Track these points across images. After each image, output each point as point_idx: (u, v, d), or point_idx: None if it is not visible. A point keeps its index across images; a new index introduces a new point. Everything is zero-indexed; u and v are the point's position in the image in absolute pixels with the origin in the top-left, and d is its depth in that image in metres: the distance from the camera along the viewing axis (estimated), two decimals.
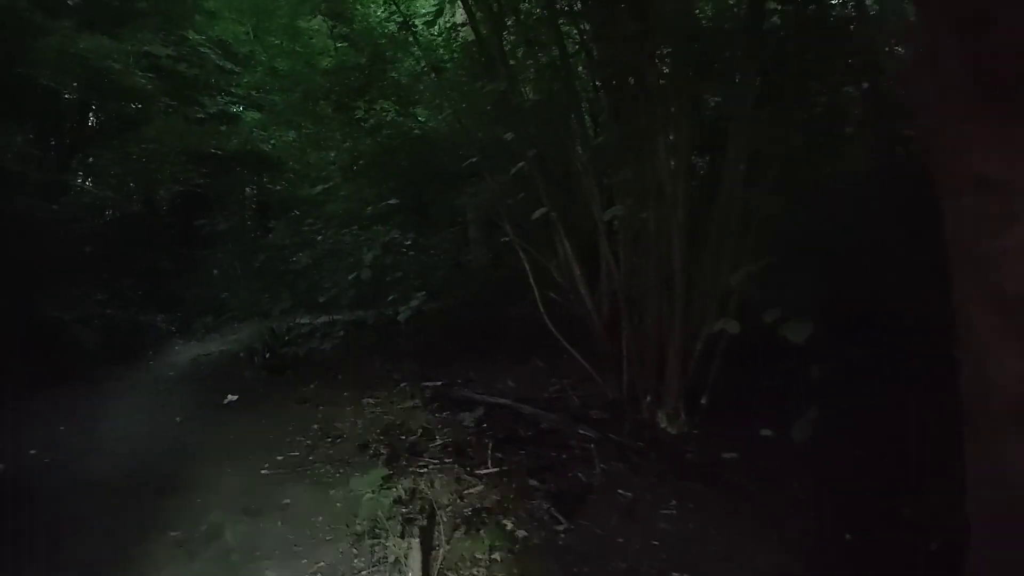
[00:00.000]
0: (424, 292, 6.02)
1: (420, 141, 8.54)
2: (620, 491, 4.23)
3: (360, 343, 7.85)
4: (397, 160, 7.97)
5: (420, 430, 5.62)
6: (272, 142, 10.16)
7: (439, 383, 7.28)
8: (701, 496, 4.19)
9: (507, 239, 6.16)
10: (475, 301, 8.15)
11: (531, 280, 6.02)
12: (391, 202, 6.15)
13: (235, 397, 7.08)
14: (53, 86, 10.54)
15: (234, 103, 11.95)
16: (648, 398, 5.44)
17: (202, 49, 11.30)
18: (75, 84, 10.12)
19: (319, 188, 5.55)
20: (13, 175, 10.16)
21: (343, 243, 7.83)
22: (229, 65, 11.82)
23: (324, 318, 7.45)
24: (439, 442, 5.28)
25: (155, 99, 9.66)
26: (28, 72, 10.27)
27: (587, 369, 6.11)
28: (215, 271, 12.99)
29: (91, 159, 12.39)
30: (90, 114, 12.31)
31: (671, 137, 4.91)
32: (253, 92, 11.34)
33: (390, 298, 6.06)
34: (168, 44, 9.88)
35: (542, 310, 6.05)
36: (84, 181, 12.18)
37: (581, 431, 5.31)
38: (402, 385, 7.23)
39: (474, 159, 6.16)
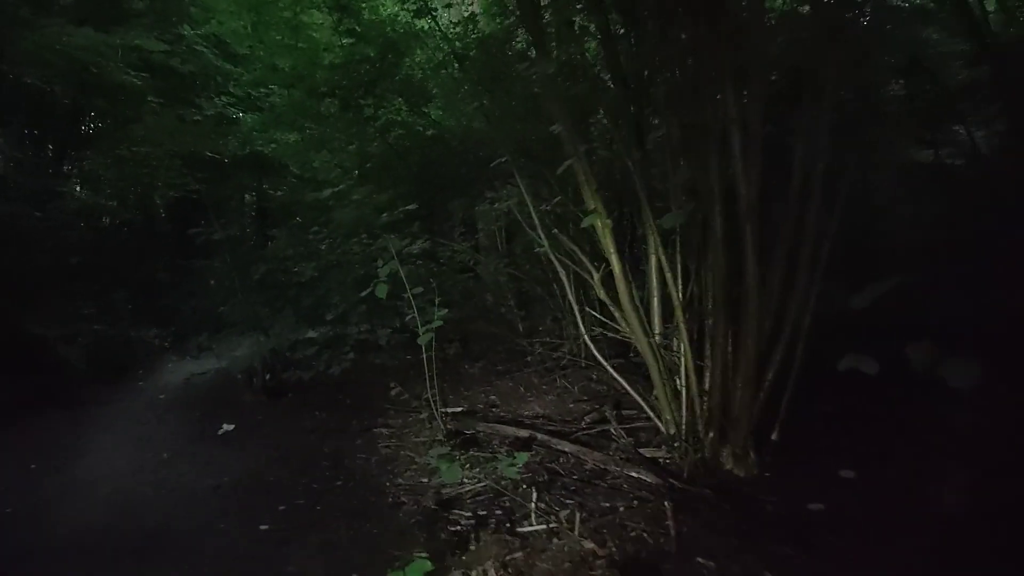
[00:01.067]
0: (447, 310, 5.25)
1: (434, 141, 7.83)
2: (699, 559, 3.46)
3: (369, 362, 7.09)
4: (408, 163, 7.27)
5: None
6: (272, 144, 9.43)
7: (459, 409, 6.56)
8: (799, 567, 3.42)
9: (540, 248, 5.41)
10: (492, 316, 7.40)
11: (569, 295, 5.28)
12: (410, 207, 5.42)
13: (231, 427, 6.34)
14: (39, 84, 9.86)
15: (232, 105, 11.23)
16: (711, 433, 4.67)
17: (198, 47, 10.61)
18: (61, 81, 9.42)
19: (327, 192, 4.83)
20: None
21: (351, 254, 7.10)
22: (228, 66, 11.14)
23: (329, 334, 6.69)
24: (468, 487, 4.53)
25: (147, 98, 8.96)
26: (13, 70, 9.60)
27: (629, 395, 5.37)
28: (211, 282, 12.28)
29: (81, 163, 11.69)
30: (81, 116, 11.63)
31: (741, 135, 4.17)
32: (252, 93, 10.63)
33: (408, 316, 5.30)
34: (162, 40, 9.16)
35: (582, 329, 5.30)
36: (75, 187, 11.45)
37: (634, 473, 4.56)
38: (419, 412, 6.50)
39: (503, 159, 5.41)
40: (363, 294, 5.25)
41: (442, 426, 5.73)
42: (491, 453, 5.01)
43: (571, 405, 6.54)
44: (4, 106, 10.71)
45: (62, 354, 8.30)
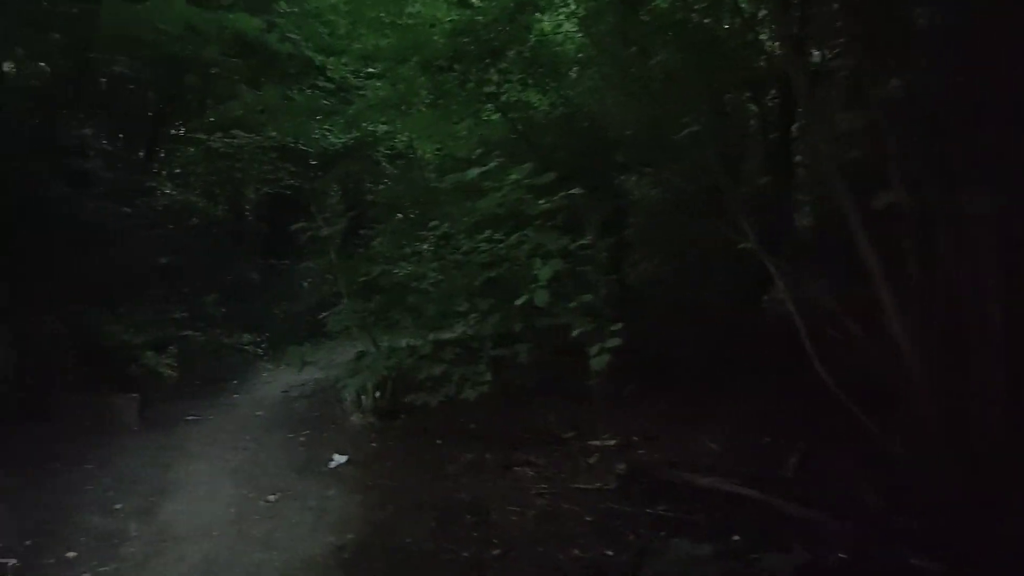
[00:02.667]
0: (622, 324, 4.03)
1: (574, 120, 6.65)
2: None
3: (501, 378, 5.93)
4: (543, 143, 6.14)
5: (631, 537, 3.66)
6: (383, 124, 8.39)
7: (612, 442, 5.33)
8: None
9: (746, 246, 4.13)
10: (645, 329, 6.14)
11: (792, 309, 3.96)
12: (573, 192, 4.21)
13: (343, 459, 5.30)
14: (129, 73, 9.17)
15: (331, 93, 10.28)
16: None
17: (292, 35, 9.74)
18: (152, 67, 8.69)
19: (473, 173, 3.68)
20: (82, 175, 8.78)
21: (478, 252, 5.97)
22: (319, 58, 10.25)
23: (458, 350, 5.56)
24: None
25: (240, 83, 8.10)
26: (103, 58, 8.91)
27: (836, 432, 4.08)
28: (304, 285, 11.47)
29: (171, 158, 11.04)
30: (171, 107, 10.96)
31: None
32: (350, 76, 9.67)
33: (576, 332, 4.10)
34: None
35: (810, 351, 3.97)
36: (164, 183, 10.77)
37: (915, 561, 3.22)
38: (565, 445, 5.33)
39: (695, 128, 4.16)
40: (519, 302, 4.08)
41: (607, 468, 4.51)
42: (703, 521, 3.73)
43: (754, 442, 5.24)
44: (93, 97, 10.12)
45: (150, 364, 7.49)
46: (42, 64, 9.28)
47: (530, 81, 7.04)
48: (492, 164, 3.84)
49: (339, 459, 5.25)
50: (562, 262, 3.96)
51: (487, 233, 6.09)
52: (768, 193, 7.25)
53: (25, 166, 7.63)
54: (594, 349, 3.92)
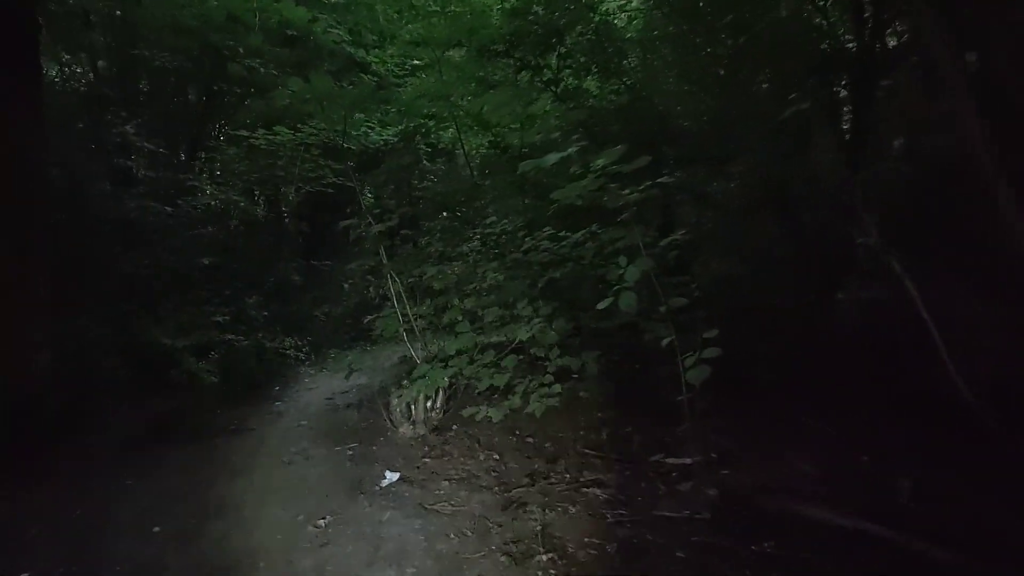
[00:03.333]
0: (717, 331, 3.50)
1: (637, 107, 6.13)
2: None
3: (565, 388, 5.43)
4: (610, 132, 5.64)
5: None
6: (431, 116, 7.94)
7: (687, 460, 4.78)
8: None
9: (865, 240, 3.57)
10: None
11: (926, 316, 3.39)
12: (663, 180, 3.69)
13: (395, 476, 4.86)
14: (171, 67, 8.91)
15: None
16: None
17: (333, 28, 9.39)
18: (195, 61, 8.41)
19: (553, 157, 3.19)
20: (124, 173, 8.55)
21: (537, 251, 5.50)
22: (360, 53, 9.90)
23: (520, 358, 5.06)
24: None
25: (287, 70, 7.74)
26: (146, 52, 8.68)
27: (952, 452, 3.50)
28: (345, 286, 11.10)
29: (213, 156, 10.78)
30: (214, 103, 10.72)
31: None
32: (395, 70, 9.29)
33: (666, 341, 3.59)
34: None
35: (948, 363, 3.40)
36: (206, 182, 10.51)
37: None
38: (636, 462, 4.82)
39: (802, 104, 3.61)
40: (602, 305, 3.58)
41: (695, 492, 3.99)
42: (816, 561, 3.20)
43: (851, 464, 4.66)
44: (137, 96, 9.92)
45: (192, 369, 7.17)
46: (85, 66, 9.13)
47: (594, 67, 6.53)
48: (572, 149, 3.32)
49: (391, 477, 4.82)
50: (651, 261, 3.43)
51: (547, 231, 5.65)
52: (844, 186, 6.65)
53: (68, 164, 7.41)
54: (689, 360, 3.39)
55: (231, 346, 7.98)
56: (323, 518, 4.19)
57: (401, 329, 6.19)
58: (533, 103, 4.00)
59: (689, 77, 6.80)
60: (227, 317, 8.32)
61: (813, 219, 6.18)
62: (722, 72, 6.69)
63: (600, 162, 3.31)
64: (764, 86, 7.04)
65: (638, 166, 3.28)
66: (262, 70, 7.41)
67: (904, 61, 6.56)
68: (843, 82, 7.67)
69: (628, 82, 6.58)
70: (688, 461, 4.82)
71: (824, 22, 7.06)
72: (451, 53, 6.83)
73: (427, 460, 5.26)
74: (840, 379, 5.78)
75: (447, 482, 4.77)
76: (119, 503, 4.54)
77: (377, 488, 4.69)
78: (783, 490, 4.20)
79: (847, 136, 7.27)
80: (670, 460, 4.86)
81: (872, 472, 4.47)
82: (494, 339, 5.43)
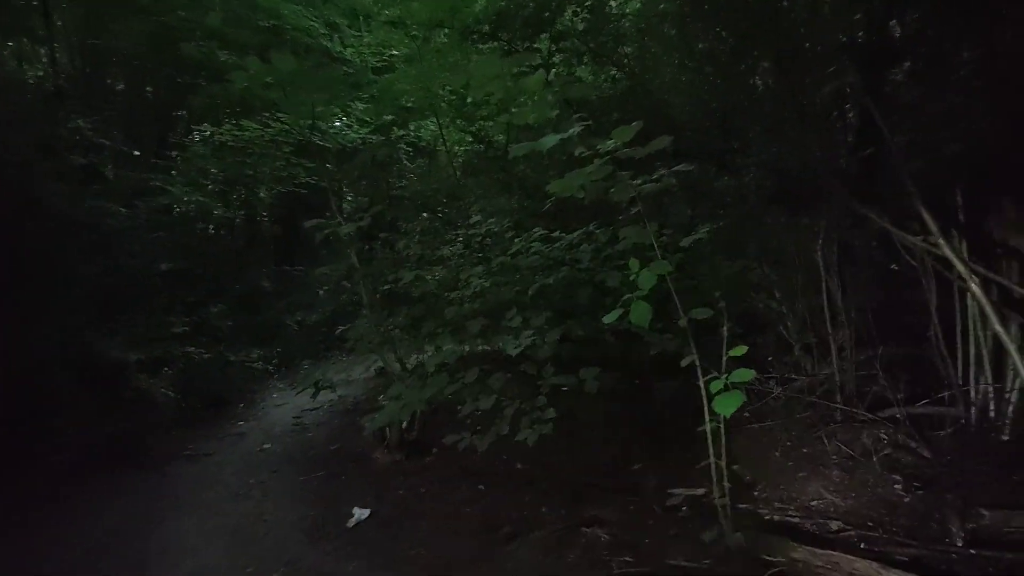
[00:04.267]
0: (746, 348, 2.92)
1: (636, 96, 5.57)
2: None
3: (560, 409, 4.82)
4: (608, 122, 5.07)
5: None
6: (411, 104, 7.27)
7: (699, 491, 4.20)
8: None
9: (927, 245, 2.99)
10: None
11: (1000, 330, 2.82)
12: (681, 168, 3.08)
13: (366, 513, 4.22)
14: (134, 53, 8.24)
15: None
16: None
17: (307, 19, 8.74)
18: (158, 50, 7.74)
19: (553, 139, 2.60)
20: (81, 171, 7.83)
21: (527, 255, 4.90)
22: (339, 49, 9.25)
23: (508, 376, 4.43)
24: None
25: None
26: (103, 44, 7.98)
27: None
28: (320, 292, 10.42)
29: (179, 153, 10.06)
30: (178, 98, 10.01)
31: None
32: (373, 62, 8.64)
33: (686, 360, 2.98)
34: None
35: None
36: (173, 181, 9.80)
37: None
38: (641, 494, 4.24)
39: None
40: (609, 319, 2.97)
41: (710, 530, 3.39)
42: None
43: (883, 490, 4.11)
44: (98, 88, 9.21)
45: (143, 386, 6.48)
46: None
47: (587, 54, 5.93)
48: (574, 129, 2.72)
49: (361, 514, 4.18)
50: (670, 266, 2.83)
51: (538, 231, 5.05)
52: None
53: (20, 162, 6.69)
54: (717, 385, 2.79)
55: (191, 359, 7.28)
56: (277, 571, 3.54)
57: (376, 340, 5.55)
58: (526, 77, 3.45)
59: (689, 65, 6.28)
60: (187, 327, 7.62)
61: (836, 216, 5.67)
62: (724, 60, 6.20)
63: (610, 144, 2.70)
64: (768, 78, 6.57)
65: (657, 148, 2.68)
66: (223, 56, 6.75)
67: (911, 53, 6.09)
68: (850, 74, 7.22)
69: (625, 70, 6.00)
70: (699, 491, 4.24)
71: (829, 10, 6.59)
72: (433, 39, 6.21)
73: (401, 492, 4.63)
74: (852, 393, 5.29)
75: (424, 520, 4.14)
76: (50, 546, 3.88)
77: (343, 530, 4.05)
78: (813, 525, 3.64)
79: (854, 129, 6.80)
80: (677, 490, 4.28)
81: (906, 497, 3.94)
82: (480, 353, 4.83)
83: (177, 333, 7.45)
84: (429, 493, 4.59)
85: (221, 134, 8.45)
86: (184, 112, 9.88)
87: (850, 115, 6.98)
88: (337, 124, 8.85)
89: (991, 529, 3.51)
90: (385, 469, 5.08)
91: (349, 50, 8.95)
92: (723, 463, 3.26)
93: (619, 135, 2.67)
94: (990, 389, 4.46)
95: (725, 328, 3.08)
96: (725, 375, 2.82)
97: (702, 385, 2.97)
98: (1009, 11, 4.50)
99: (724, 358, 2.98)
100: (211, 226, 9.90)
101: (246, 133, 8.21)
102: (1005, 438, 4.36)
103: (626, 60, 6.13)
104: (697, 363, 2.96)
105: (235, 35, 6.86)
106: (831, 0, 6.44)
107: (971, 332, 4.54)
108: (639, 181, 2.98)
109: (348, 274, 6.57)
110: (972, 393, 4.62)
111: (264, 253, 10.92)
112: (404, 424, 5.27)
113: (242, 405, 7.31)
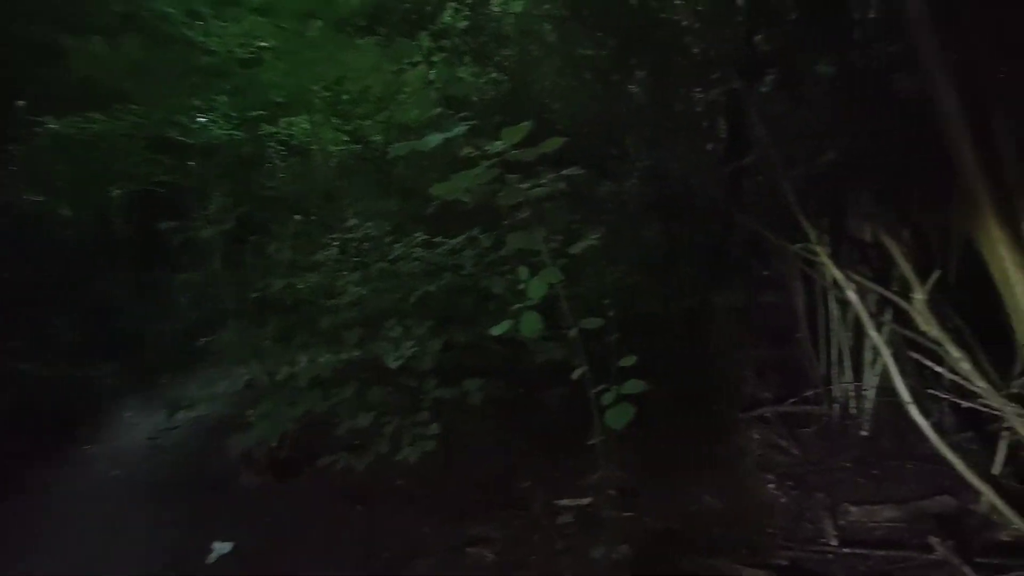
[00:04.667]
0: (635, 357, 2.84)
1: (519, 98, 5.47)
2: None
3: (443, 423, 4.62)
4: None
5: None
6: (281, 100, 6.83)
7: (584, 501, 4.12)
8: None
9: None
10: None
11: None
12: (571, 171, 2.97)
13: (228, 547, 3.82)
14: None
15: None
16: None
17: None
18: None
19: (437, 138, 2.41)
20: None
21: (409, 260, 4.69)
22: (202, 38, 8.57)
23: (389, 390, 4.18)
24: None
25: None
26: None
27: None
28: (182, 300, 9.63)
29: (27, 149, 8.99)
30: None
31: None
32: (239, 50, 8.07)
33: (578, 372, 2.84)
34: None
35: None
36: (12, 180, 8.75)
37: None
38: (529, 506, 4.12)
39: None
40: (498, 330, 2.81)
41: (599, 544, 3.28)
42: None
43: (759, 491, 4.24)
44: None
45: None
46: None
47: (467, 52, 5.77)
48: (459, 129, 2.54)
49: (222, 549, 3.78)
50: (559, 272, 2.71)
51: (419, 236, 4.85)
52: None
53: None
54: (608, 396, 2.69)
55: (28, 378, 6.47)
56: None
57: (244, 352, 5.12)
58: (407, 72, 3.23)
59: (570, 70, 6.30)
60: (23, 342, 6.78)
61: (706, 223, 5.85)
62: (604, 67, 6.27)
63: (498, 145, 2.54)
64: (646, 86, 6.71)
65: (551, 149, 2.55)
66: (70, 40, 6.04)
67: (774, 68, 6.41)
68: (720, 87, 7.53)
69: (507, 72, 5.92)
70: (585, 501, 4.16)
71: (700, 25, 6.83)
72: (306, 32, 5.83)
73: (271, 519, 4.27)
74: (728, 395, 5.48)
75: (294, 549, 3.81)
76: None
77: (202, 567, 3.65)
78: (696, 537, 3.63)
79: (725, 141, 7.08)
80: (563, 502, 4.19)
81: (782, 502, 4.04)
82: (358, 363, 4.54)
83: (11, 348, 6.61)
84: (301, 518, 4.25)
85: (68, 127, 7.61)
86: (24, 102, 8.84)
87: (722, 125, 7.29)
88: (202, 120, 8.23)
89: (858, 526, 3.65)
90: (252, 492, 4.67)
91: (214, 39, 8.34)
92: (612, 474, 3.18)
93: (508, 136, 2.51)
94: (851, 387, 4.71)
95: (614, 337, 2.99)
96: (616, 387, 2.73)
97: (592, 398, 2.87)
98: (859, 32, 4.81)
99: (614, 369, 2.89)
100: (55, 229, 8.92)
101: (94, 125, 7.42)
102: (865, 433, 4.59)
103: (507, 63, 6.06)
104: (587, 375, 2.84)
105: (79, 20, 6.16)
106: (704, 14, 6.69)
107: (833, 333, 4.79)
108: (527, 185, 2.84)
109: (212, 280, 6.07)
110: (835, 391, 4.87)
111: (118, 258, 9.97)
112: (274, 443, 4.88)
113: (89, 426, 6.57)
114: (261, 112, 6.94)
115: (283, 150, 8.58)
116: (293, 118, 7.47)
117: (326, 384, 4.16)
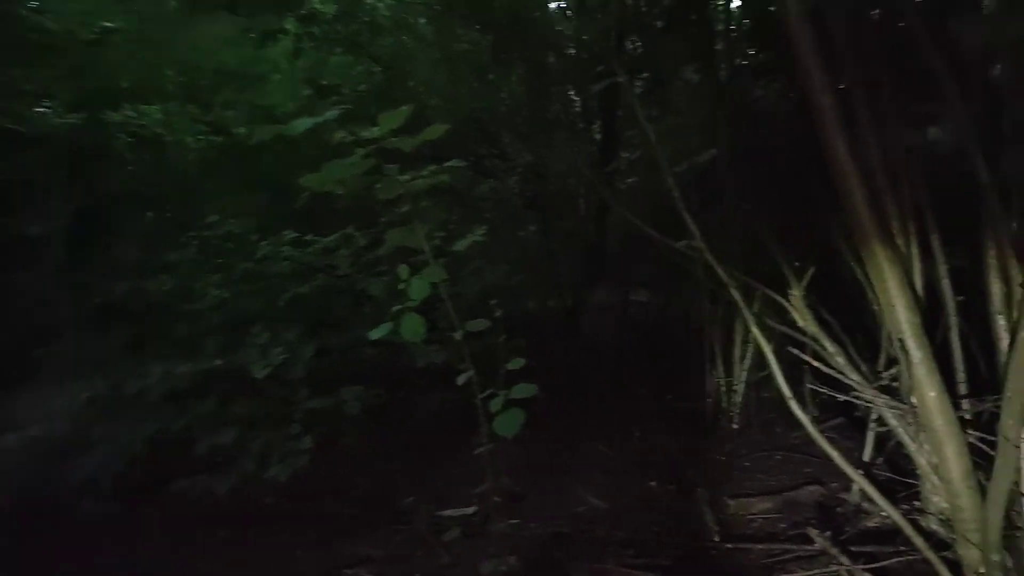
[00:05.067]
0: (523, 360, 2.73)
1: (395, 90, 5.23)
2: None
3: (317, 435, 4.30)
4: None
5: None
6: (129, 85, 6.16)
7: (469, 510, 3.99)
8: None
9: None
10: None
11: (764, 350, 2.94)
12: (453, 164, 2.81)
13: None
14: None
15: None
16: None
17: None
18: None
19: (306, 123, 2.18)
20: None
21: (277, 261, 4.36)
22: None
23: (255, 404, 3.83)
24: None
25: None
26: None
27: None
28: (15, 307, 8.60)
29: None
30: None
31: None
32: (82, 31, 7.29)
33: (463, 378, 2.68)
34: None
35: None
36: None
37: None
38: (409, 520, 3.92)
39: None
40: (376, 334, 2.60)
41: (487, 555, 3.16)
42: None
43: (641, 489, 4.25)
44: None
45: None
46: None
47: (339, 40, 5.45)
48: (331, 113, 2.32)
49: None
50: (444, 272, 2.54)
51: (289, 234, 4.52)
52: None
53: None
54: (496, 402, 2.55)
55: None
56: None
57: (86, 364, 4.59)
58: (270, 46, 2.92)
59: (445, 65, 6.16)
60: None
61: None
62: (480, 63, 6.19)
63: (375, 131, 2.33)
64: (522, 85, 6.70)
65: (434, 137, 2.37)
66: None
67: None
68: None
69: (381, 64, 5.68)
70: (469, 510, 4.02)
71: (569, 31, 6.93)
72: (157, 11, 5.30)
73: (119, 553, 3.80)
74: (606, 392, 5.54)
75: None
76: None
77: None
78: (583, 540, 3.57)
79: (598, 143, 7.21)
80: (447, 512, 4.02)
81: (664, 499, 4.07)
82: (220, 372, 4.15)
83: None
84: (153, 548, 3.81)
85: None
86: None
87: (595, 125, 7.41)
88: (44, 109, 7.36)
89: (736, 519, 3.72)
90: (94, 525, 4.14)
91: (48, 17, 7.49)
92: (499, 481, 3.05)
93: (386, 122, 2.31)
94: (722, 382, 4.86)
95: (501, 339, 2.86)
96: (504, 391, 2.60)
97: (479, 404, 2.72)
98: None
99: (501, 372, 2.76)
100: None
101: None
102: (735, 427, 4.75)
103: (381, 54, 5.82)
104: (474, 380, 2.69)
105: None
106: (576, 17, 6.76)
107: (706, 331, 4.93)
108: (407, 177, 2.65)
109: (47, 285, 5.41)
110: (707, 386, 5.02)
111: None
112: (121, 466, 4.36)
113: None
114: (105, 97, 6.27)
115: (132, 141, 7.84)
116: (145, 106, 6.83)
117: (182, 398, 3.76)
